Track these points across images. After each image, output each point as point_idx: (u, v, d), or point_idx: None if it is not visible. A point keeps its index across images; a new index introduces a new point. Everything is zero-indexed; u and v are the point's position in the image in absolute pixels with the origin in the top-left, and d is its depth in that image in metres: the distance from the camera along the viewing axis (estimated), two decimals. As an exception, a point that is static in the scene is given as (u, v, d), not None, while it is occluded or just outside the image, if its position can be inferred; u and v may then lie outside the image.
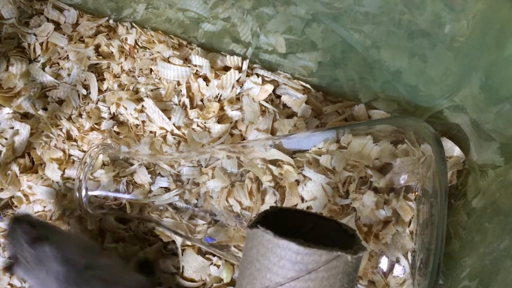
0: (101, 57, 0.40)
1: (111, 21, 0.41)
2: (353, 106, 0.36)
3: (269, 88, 0.37)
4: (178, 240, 0.35)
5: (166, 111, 0.38)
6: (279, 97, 0.38)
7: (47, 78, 0.40)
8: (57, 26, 0.41)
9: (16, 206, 0.37)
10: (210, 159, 0.32)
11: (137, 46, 0.40)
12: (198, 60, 0.38)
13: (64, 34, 0.41)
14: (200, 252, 0.35)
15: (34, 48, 0.41)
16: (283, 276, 0.19)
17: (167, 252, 0.35)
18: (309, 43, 0.33)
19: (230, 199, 0.31)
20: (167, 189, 0.32)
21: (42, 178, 0.37)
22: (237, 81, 0.38)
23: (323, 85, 0.37)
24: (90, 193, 0.33)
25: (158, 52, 0.39)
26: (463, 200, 0.31)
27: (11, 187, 0.37)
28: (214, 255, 0.35)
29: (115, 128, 0.38)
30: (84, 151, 0.38)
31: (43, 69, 0.40)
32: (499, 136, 0.28)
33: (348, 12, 0.29)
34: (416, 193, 0.27)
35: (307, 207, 0.29)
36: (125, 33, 0.41)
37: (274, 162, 0.30)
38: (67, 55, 0.41)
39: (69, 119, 0.39)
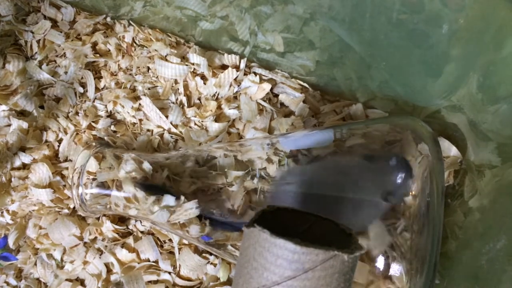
0: (98, 55, 0.40)
1: (108, 19, 0.41)
2: (351, 105, 0.36)
3: (267, 87, 0.37)
4: (175, 239, 0.35)
5: (164, 109, 0.37)
6: (276, 96, 0.38)
7: (44, 75, 0.40)
8: (54, 24, 0.41)
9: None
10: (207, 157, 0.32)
11: (134, 44, 0.40)
12: (195, 58, 0.38)
13: (61, 32, 0.41)
14: (196, 250, 0.35)
15: (31, 46, 0.41)
16: (280, 275, 0.19)
17: (163, 251, 0.35)
18: (307, 42, 0.33)
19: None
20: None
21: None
22: (235, 79, 0.37)
23: (321, 84, 0.37)
24: (86, 191, 0.33)
25: (155, 50, 0.39)
26: (459, 200, 0.31)
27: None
28: (210, 254, 0.35)
29: (112, 127, 0.38)
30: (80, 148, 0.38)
31: (40, 67, 0.40)
32: (496, 136, 0.28)
33: (346, 11, 0.29)
34: (413, 192, 0.27)
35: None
36: (122, 31, 0.41)
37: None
38: (64, 53, 0.40)
39: (66, 117, 0.39)
